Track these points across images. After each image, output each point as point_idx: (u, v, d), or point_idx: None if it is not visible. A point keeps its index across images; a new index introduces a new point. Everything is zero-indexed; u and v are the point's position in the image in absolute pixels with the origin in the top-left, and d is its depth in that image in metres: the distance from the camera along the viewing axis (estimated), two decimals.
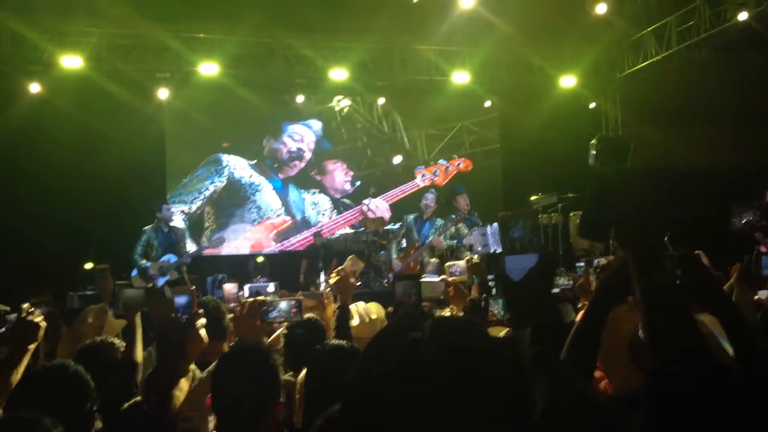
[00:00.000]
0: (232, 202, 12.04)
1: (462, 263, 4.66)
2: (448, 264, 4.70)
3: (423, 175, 12.83)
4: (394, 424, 0.96)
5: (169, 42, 10.66)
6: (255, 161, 12.32)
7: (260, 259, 10.72)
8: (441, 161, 12.93)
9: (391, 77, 11.96)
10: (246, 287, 6.98)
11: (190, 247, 10.52)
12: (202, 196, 11.80)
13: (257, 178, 12.24)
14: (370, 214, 11.85)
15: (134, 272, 8.90)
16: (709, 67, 11.15)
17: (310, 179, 12.65)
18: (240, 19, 10.15)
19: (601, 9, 10.42)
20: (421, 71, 11.99)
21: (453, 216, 10.25)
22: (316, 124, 12.69)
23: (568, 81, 12.37)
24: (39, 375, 2.42)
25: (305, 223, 12.40)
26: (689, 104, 11.82)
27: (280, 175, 12.45)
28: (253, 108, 12.00)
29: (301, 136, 12.59)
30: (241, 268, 10.67)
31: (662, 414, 1.28)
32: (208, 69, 10.81)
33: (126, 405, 2.66)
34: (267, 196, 12.27)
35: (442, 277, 4.99)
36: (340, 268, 4.01)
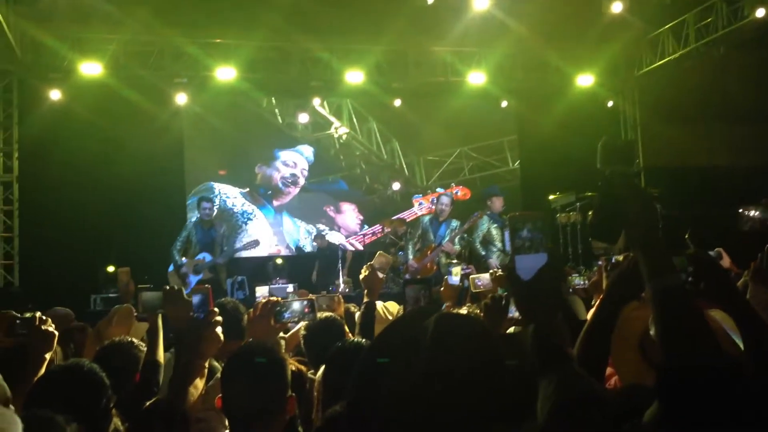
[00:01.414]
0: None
1: (486, 276, 4.67)
2: (473, 276, 4.70)
3: (420, 204, 12.79)
4: (392, 413, 0.98)
5: (186, 47, 10.76)
6: (247, 189, 12.25)
7: (279, 261, 10.78)
8: (438, 189, 12.83)
9: (407, 79, 11.98)
10: (259, 289, 7.04)
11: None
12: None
13: (249, 207, 12.19)
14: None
15: (171, 267, 8.96)
16: (728, 65, 11.06)
17: (322, 213, 12.65)
18: (256, 24, 10.21)
19: (617, 7, 10.35)
20: (437, 72, 11.99)
21: (472, 216, 10.25)
22: (307, 150, 12.65)
23: (585, 80, 12.31)
24: (54, 374, 2.47)
25: (299, 252, 12.36)
26: (708, 102, 11.73)
27: (274, 203, 12.37)
28: (246, 134, 12.10)
29: (294, 162, 12.57)
30: (260, 269, 10.74)
31: (674, 410, 1.29)
32: (225, 74, 10.90)
33: (147, 404, 2.71)
34: (259, 224, 12.19)
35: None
36: (369, 263, 4.04)
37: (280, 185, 12.41)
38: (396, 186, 13.05)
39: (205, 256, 8.89)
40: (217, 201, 11.78)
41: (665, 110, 11.93)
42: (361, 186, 13.02)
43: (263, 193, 12.34)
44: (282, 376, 2.17)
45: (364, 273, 3.84)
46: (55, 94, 10.73)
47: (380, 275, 3.92)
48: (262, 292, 5.57)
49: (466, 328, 1.11)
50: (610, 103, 12.99)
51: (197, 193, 11.74)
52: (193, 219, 9.71)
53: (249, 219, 12.16)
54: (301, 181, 12.59)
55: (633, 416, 1.33)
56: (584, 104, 12.23)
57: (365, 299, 3.76)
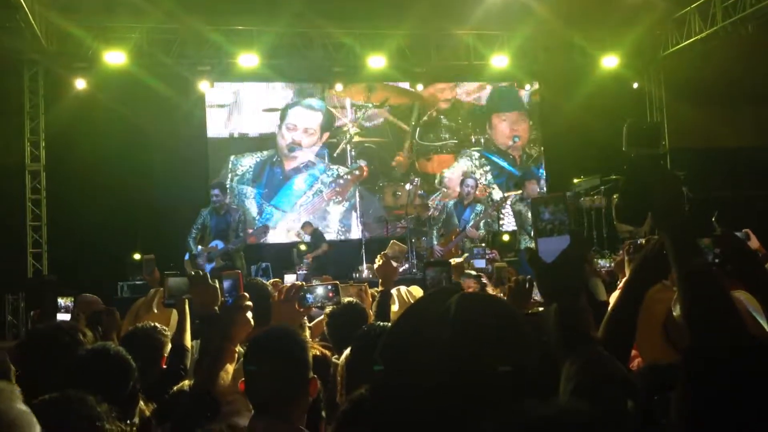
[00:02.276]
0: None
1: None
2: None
3: None
4: (417, 392, 0.99)
5: (209, 35, 10.81)
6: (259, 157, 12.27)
7: (303, 247, 10.83)
8: None
9: (429, 63, 11.92)
10: (288, 277, 7.06)
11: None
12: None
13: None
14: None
15: (187, 256, 9.01)
16: (755, 44, 10.83)
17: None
18: (278, 10, 10.22)
19: None
20: (460, 56, 11.92)
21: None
22: (317, 103, 12.53)
23: (609, 61, 12.15)
24: (82, 357, 2.52)
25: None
26: (734, 83, 11.54)
27: (286, 168, 12.34)
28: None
29: (294, 125, 12.42)
30: (284, 256, 10.81)
31: (700, 391, 1.28)
32: (248, 60, 10.93)
33: (175, 388, 2.75)
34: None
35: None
36: (383, 252, 4.05)
37: (286, 152, 12.34)
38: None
39: (218, 244, 8.81)
40: (230, 183, 11.83)
41: (691, 91, 11.75)
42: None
43: (275, 161, 12.30)
44: (303, 359, 2.19)
45: (378, 262, 3.86)
46: (80, 84, 10.84)
47: (394, 264, 3.93)
48: (290, 279, 5.61)
49: (488, 306, 1.11)
50: (635, 85, 12.82)
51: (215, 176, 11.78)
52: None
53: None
54: (307, 141, 12.43)
55: (658, 395, 1.32)
56: (609, 86, 12.09)
57: (380, 288, 3.77)
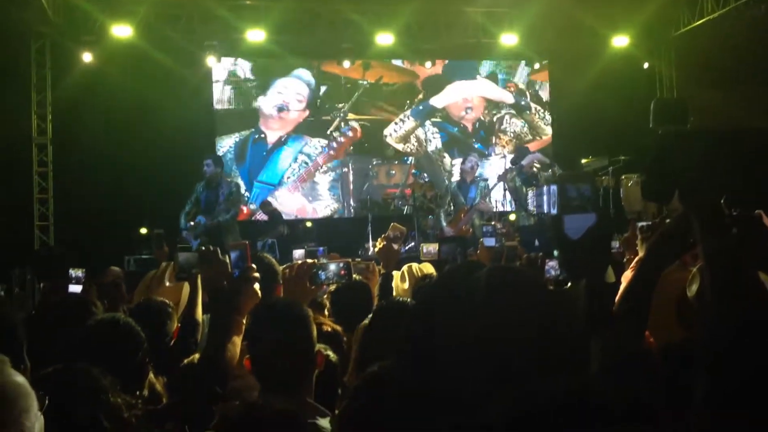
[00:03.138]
0: None
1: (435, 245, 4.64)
2: (423, 244, 4.69)
3: None
4: (445, 366, 0.99)
5: (216, 10, 10.72)
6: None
7: (308, 224, 10.83)
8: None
9: (438, 41, 11.82)
10: (296, 252, 7.02)
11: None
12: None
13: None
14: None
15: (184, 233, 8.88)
16: None
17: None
18: None
19: None
20: (468, 34, 11.81)
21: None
22: (305, 73, 12.38)
23: (620, 41, 12.02)
24: (90, 328, 2.52)
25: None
26: (748, 63, 11.40)
27: (273, 131, 12.20)
28: None
29: (285, 86, 12.28)
30: (289, 232, 10.80)
31: (725, 370, 1.27)
32: (255, 36, 10.86)
33: (185, 361, 2.76)
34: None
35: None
36: (384, 235, 4.05)
37: (274, 112, 12.19)
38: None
39: (201, 219, 8.67)
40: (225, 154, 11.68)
41: (703, 72, 11.63)
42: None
43: (257, 138, 12.16)
44: (306, 332, 2.18)
45: (379, 245, 3.85)
46: (87, 57, 10.78)
47: (395, 246, 3.92)
48: (299, 254, 5.59)
49: (519, 280, 1.11)
50: (646, 65, 12.69)
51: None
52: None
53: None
54: (295, 106, 12.27)
55: (681, 375, 1.32)
56: (619, 66, 11.98)
57: (382, 270, 3.77)
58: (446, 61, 12.69)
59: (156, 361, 2.83)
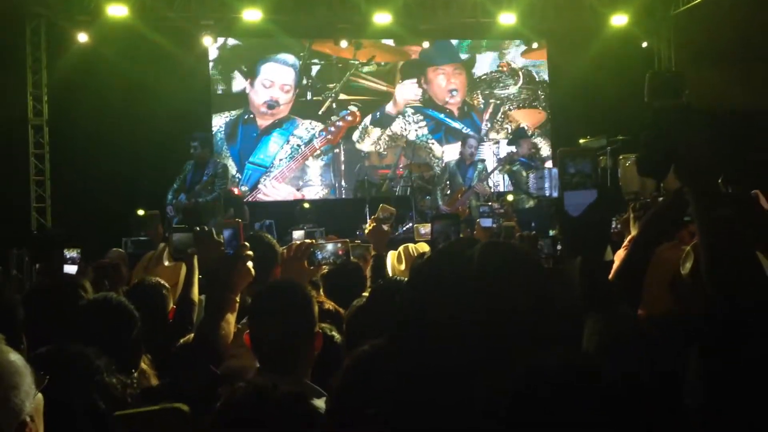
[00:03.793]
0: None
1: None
2: (417, 225, 4.67)
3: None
4: (436, 334, 0.98)
5: None
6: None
7: (306, 205, 10.81)
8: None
9: (436, 20, 11.73)
10: (296, 232, 7.00)
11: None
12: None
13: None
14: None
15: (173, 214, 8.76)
16: None
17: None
18: None
19: None
20: (466, 13, 11.71)
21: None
22: (290, 58, 12.19)
23: (619, 20, 11.94)
24: (84, 307, 2.53)
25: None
26: (748, 42, 11.34)
27: (260, 125, 12.04)
28: None
29: (272, 81, 12.08)
30: (287, 214, 10.79)
31: (727, 350, 1.27)
32: (251, 15, 10.77)
33: (181, 341, 2.76)
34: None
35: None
36: (373, 216, 4.04)
37: (264, 109, 12.02)
38: None
39: (182, 198, 8.59)
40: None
41: (702, 50, 11.57)
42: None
43: (247, 119, 12.02)
44: (308, 313, 2.19)
45: (368, 227, 3.85)
46: (82, 37, 10.70)
47: (385, 228, 3.92)
48: (298, 235, 5.58)
49: (513, 255, 1.10)
50: (645, 44, 12.62)
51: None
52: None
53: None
54: (284, 98, 12.10)
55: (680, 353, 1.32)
56: (618, 45, 11.91)
57: (372, 252, 3.77)
58: (424, 45, 12.52)
59: (152, 341, 2.84)
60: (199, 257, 2.87)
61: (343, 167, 12.38)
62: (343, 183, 12.31)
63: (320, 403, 2.00)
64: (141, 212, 9.02)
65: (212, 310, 2.39)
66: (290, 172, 12.12)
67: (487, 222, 4.64)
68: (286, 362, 2.10)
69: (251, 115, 12.07)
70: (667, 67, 12.77)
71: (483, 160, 10.60)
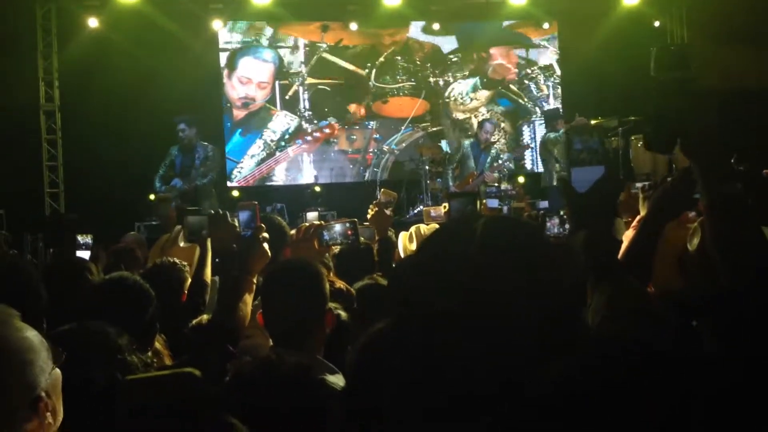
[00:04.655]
0: None
1: (441, 208, 4.62)
2: (426, 209, 4.66)
3: None
4: (438, 312, 0.98)
5: None
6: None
7: (317, 189, 10.84)
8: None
9: (446, 1, 11.65)
10: (310, 214, 7.01)
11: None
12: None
13: None
14: None
15: (153, 196, 8.79)
16: None
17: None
18: None
19: None
20: None
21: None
22: (269, 55, 11.97)
23: None
24: (100, 287, 2.56)
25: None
26: (761, 21, 11.20)
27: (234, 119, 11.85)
28: None
29: (248, 78, 11.87)
30: (297, 197, 10.82)
31: (741, 325, 1.28)
32: None
33: (194, 322, 2.80)
34: None
35: None
36: (375, 201, 4.05)
37: (239, 105, 11.83)
38: None
39: (177, 182, 8.60)
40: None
41: (716, 30, 11.43)
42: None
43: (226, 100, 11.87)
44: (319, 290, 2.21)
45: (371, 211, 3.85)
46: (92, 22, 10.72)
47: (387, 212, 3.93)
48: (312, 216, 5.58)
49: (516, 228, 1.09)
50: (657, 23, 12.49)
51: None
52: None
53: None
54: (260, 95, 11.91)
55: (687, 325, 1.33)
56: (629, 25, 11.79)
57: (377, 237, 3.78)
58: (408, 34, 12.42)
59: (169, 321, 2.88)
60: (212, 239, 2.90)
61: (312, 155, 12.21)
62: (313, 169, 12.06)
63: (334, 379, 2.04)
64: (152, 197, 9.08)
65: (230, 291, 2.42)
66: (258, 175, 11.95)
67: (493, 202, 4.64)
68: (298, 339, 2.13)
69: (228, 104, 11.91)
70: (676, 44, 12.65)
71: (497, 149, 10.41)
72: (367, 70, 12.34)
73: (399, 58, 12.49)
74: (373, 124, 12.31)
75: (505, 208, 4.77)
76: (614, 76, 11.14)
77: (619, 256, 1.89)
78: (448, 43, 12.71)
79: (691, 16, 12.34)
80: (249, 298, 2.41)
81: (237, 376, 1.63)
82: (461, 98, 12.58)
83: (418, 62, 12.60)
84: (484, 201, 4.79)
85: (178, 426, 1.30)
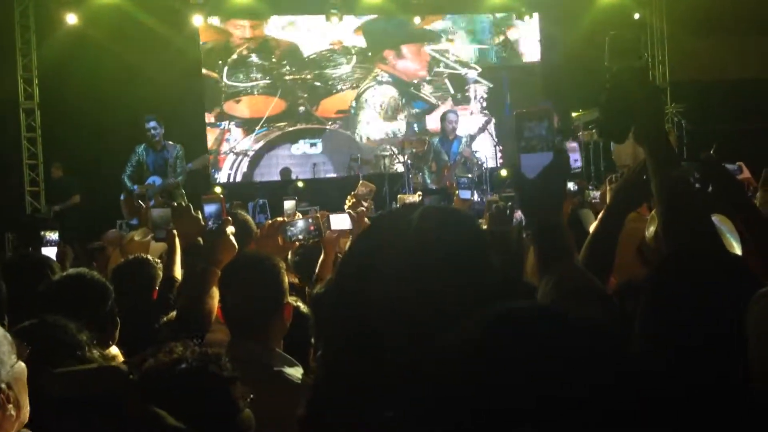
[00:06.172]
0: None
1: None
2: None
3: None
4: (375, 302, 1.00)
5: None
6: None
7: (300, 184, 10.82)
8: None
9: None
10: (287, 202, 6.96)
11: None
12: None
13: None
14: None
15: (123, 196, 8.71)
16: None
17: None
18: None
19: None
20: None
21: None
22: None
23: None
24: (58, 282, 2.54)
25: None
26: (740, 12, 11.29)
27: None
28: None
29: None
30: (279, 192, 10.79)
31: (665, 299, 1.29)
32: None
33: (165, 319, 2.78)
34: None
35: None
36: (353, 193, 4.05)
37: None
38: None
39: (155, 180, 8.53)
40: None
41: (694, 22, 11.50)
42: None
43: None
44: (276, 283, 2.21)
45: (348, 203, 3.85)
46: (71, 18, 10.63)
47: (365, 204, 3.93)
48: (289, 205, 5.53)
49: (451, 218, 1.11)
50: (637, 16, 12.54)
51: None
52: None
53: None
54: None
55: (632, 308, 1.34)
56: (610, 17, 11.83)
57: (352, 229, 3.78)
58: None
59: (139, 317, 2.85)
60: (178, 232, 2.88)
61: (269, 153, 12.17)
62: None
63: (292, 371, 2.03)
64: (122, 197, 8.92)
65: (194, 284, 2.40)
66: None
67: (465, 194, 4.65)
68: (256, 331, 2.13)
69: None
70: (659, 39, 12.70)
71: (468, 135, 10.40)
72: (218, 67, 12.09)
73: (254, 55, 12.23)
74: (224, 124, 12.06)
75: (476, 198, 4.78)
76: (595, 68, 11.10)
77: (585, 243, 1.91)
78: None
79: (671, 8, 12.40)
80: (215, 292, 2.39)
81: (146, 369, 1.63)
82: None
83: (274, 59, 12.31)
84: (457, 192, 4.79)
85: (103, 418, 1.30)
